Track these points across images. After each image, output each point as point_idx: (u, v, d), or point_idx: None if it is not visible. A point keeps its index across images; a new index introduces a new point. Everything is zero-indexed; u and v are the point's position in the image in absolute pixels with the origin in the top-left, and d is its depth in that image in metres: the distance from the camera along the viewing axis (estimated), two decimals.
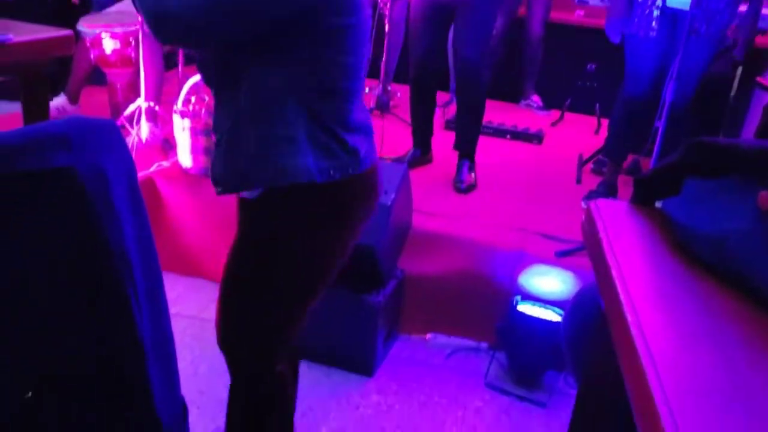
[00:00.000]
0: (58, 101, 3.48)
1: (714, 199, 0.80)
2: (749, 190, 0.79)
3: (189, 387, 2.33)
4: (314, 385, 2.30)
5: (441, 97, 3.72)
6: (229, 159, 1.35)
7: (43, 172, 0.67)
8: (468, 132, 3.22)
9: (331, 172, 1.32)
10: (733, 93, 3.72)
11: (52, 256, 0.73)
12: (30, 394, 0.76)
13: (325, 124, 1.31)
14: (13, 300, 0.74)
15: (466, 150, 3.22)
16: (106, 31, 3.09)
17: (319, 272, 1.44)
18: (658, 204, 0.92)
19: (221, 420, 2.14)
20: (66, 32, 2.37)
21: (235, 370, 1.54)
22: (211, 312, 2.75)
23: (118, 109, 3.30)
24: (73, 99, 3.55)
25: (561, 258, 2.57)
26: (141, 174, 2.87)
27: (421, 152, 3.36)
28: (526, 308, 2.37)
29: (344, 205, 1.39)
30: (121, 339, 0.82)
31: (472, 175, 3.23)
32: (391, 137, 3.42)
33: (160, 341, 0.97)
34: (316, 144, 1.30)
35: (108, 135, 0.86)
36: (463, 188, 3.17)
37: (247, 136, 1.31)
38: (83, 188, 0.70)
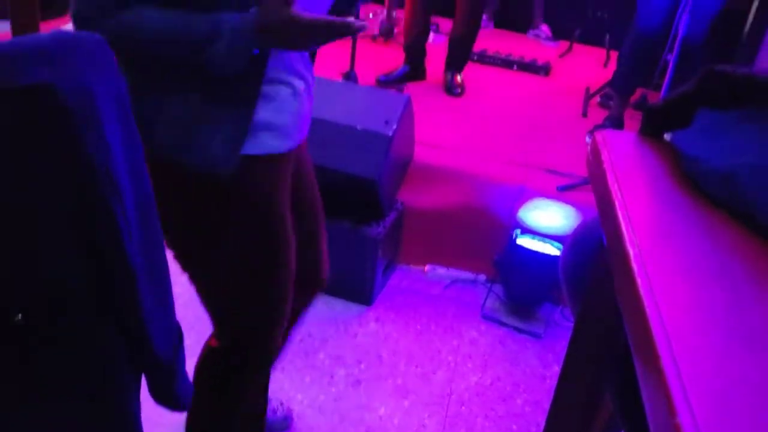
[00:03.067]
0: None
1: (726, 132, 0.77)
2: (764, 123, 0.75)
3: (185, 312, 2.34)
4: (314, 313, 2.32)
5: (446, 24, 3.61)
6: None
7: (19, 87, 0.63)
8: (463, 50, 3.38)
9: None
10: (747, 29, 3.60)
11: (33, 176, 0.71)
12: (19, 317, 0.75)
13: None
14: None
15: (457, 65, 3.38)
16: None
17: None
18: (667, 136, 0.89)
19: None
20: None
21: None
22: None
23: None
24: None
25: (562, 192, 2.55)
26: None
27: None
28: (525, 241, 2.37)
29: None
30: (110, 264, 0.80)
31: (459, 78, 3.38)
32: (394, 64, 3.36)
33: (154, 268, 0.95)
34: None
35: (96, 51, 0.82)
36: (458, 92, 3.32)
37: None
38: (65, 106, 0.67)
